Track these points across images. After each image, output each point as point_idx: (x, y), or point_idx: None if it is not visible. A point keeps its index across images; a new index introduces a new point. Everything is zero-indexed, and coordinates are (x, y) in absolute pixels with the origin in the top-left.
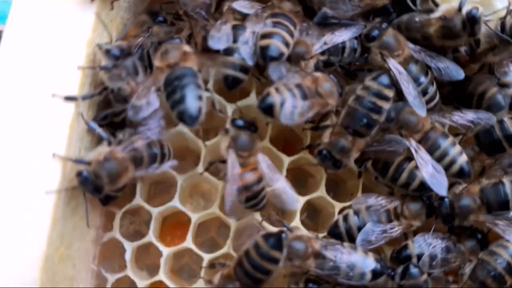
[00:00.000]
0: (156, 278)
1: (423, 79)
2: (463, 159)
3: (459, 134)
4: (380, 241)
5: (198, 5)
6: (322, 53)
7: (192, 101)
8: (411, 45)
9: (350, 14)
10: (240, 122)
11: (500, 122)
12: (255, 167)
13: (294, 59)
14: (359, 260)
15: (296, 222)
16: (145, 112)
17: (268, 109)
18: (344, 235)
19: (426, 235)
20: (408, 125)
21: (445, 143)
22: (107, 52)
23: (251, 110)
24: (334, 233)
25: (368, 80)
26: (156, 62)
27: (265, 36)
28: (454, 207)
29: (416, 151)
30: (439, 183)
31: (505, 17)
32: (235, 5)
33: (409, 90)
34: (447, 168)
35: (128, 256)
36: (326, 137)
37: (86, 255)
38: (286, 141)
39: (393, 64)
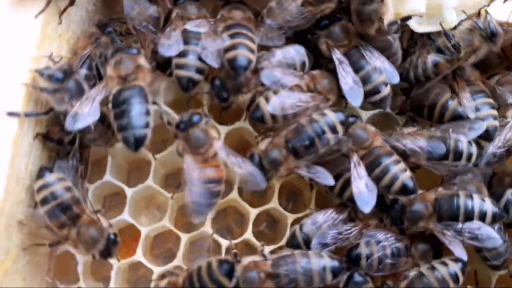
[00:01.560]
0: None
1: (364, 64)
2: (406, 176)
3: None
4: (336, 243)
5: (145, 19)
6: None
7: (138, 130)
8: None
9: (296, 23)
10: (182, 126)
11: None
12: (218, 165)
13: (232, 90)
14: (314, 263)
15: (248, 233)
16: (84, 123)
17: (259, 119)
18: (302, 245)
19: (379, 233)
20: (356, 139)
21: (387, 160)
22: (49, 78)
23: None
24: (293, 244)
25: (327, 110)
26: (108, 70)
27: (228, 49)
28: (406, 210)
29: (354, 165)
30: (365, 200)
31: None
32: (189, 27)
33: (346, 80)
34: (389, 186)
35: (80, 268)
36: (263, 144)
37: (39, 268)
38: (244, 151)
39: (337, 56)
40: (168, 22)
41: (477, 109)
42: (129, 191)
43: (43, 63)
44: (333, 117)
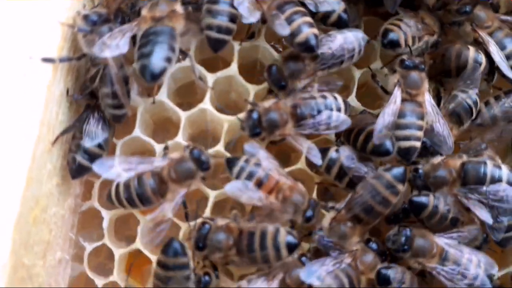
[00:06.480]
0: (133, 246)
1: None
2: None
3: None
4: None
5: None
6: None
7: (158, 60)
8: None
9: None
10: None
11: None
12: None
13: (290, 77)
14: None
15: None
16: (111, 53)
17: (395, 43)
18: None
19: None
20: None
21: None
22: (85, 18)
23: (232, 80)
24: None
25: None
26: (144, 11)
27: (294, 34)
28: (429, 176)
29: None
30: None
31: None
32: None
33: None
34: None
35: (105, 224)
36: (267, 102)
37: (64, 223)
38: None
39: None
40: None
41: (509, 57)
42: (158, 148)
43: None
44: (339, 99)
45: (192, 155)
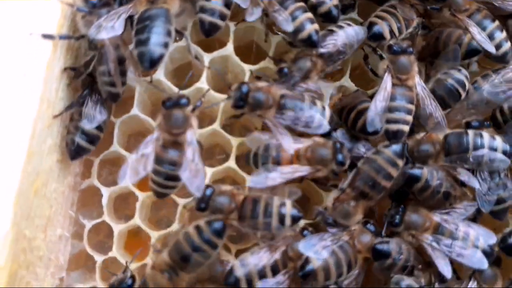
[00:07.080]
0: (131, 223)
1: None
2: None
3: None
4: None
5: None
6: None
7: (156, 46)
8: None
9: None
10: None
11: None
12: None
13: (300, 75)
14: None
15: None
16: (107, 34)
17: (379, 36)
18: None
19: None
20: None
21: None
22: (85, 0)
23: (228, 60)
24: None
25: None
26: None
27: (298, 31)
28: (413, 151)
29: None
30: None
31: None
32: None
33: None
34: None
35: (105, 201)
36: (260, 83)
37: (64, 200)
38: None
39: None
40: None
41: (490, 37)
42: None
43: None
44: (327, 111)
45: (166, 106)
